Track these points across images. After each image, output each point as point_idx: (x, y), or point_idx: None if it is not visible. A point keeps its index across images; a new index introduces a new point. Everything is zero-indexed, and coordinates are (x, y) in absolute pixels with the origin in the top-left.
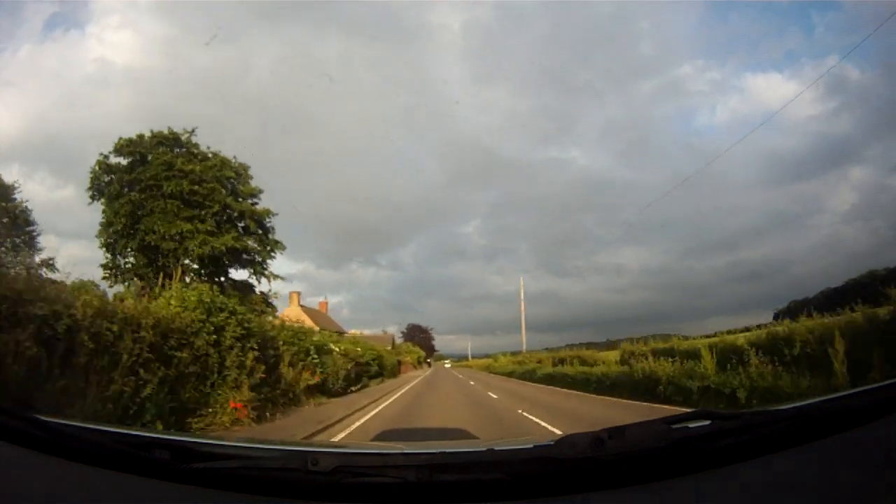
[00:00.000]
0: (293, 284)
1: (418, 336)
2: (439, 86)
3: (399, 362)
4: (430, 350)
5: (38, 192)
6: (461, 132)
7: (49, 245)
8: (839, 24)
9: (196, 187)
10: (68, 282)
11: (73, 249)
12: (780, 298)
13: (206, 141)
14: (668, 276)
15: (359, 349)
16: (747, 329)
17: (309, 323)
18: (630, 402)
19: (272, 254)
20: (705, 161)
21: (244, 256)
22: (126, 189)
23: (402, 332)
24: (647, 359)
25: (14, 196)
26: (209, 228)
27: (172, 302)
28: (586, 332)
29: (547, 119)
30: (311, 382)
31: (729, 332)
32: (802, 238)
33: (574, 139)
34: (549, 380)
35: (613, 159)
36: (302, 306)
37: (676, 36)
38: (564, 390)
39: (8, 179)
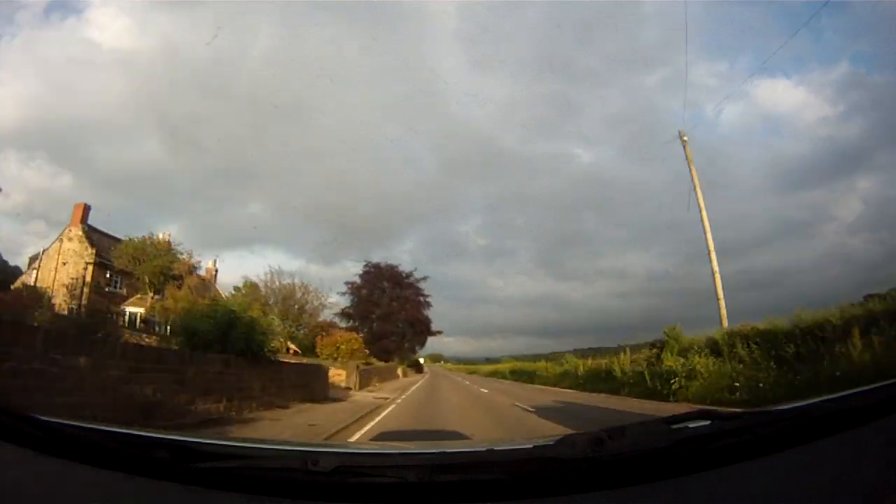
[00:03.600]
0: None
1: (382, 292)
2: (436, 74)
3: None
4: (421, 333)
5: (35, 180)
6: (459, 124)
7: (40, 231)
8: (849, 28)
9: None
10: None
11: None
12: (786, 309)
13: (202, 132)
14: (673, 282)
15: None
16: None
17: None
18: None
19: None
20: (709, 163)
21: None
22: None
23: (349, 285)
24: None
25: None
26: None
27: None
28: (588, 337)
29: (548, 109)
30: None
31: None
32: (809, 247)
33: (576, 133)
34: None
35: (618, 156)
36: (90, 227)
37: (682, 29)
38: None
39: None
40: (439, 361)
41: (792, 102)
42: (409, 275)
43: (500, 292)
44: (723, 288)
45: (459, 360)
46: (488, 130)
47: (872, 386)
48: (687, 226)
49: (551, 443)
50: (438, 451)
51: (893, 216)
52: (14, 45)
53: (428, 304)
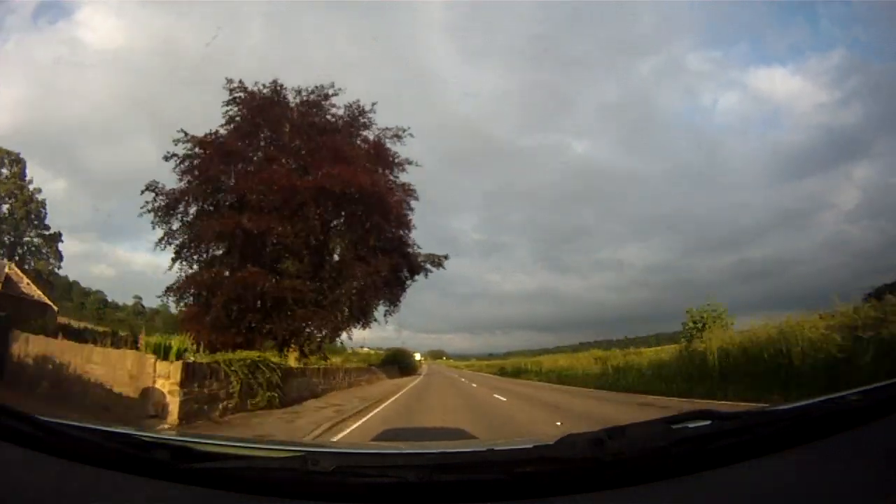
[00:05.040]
0: None
1: (277, 151)
2: (430, 66)
3: None
4: (392, 259)
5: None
6: (455, 118)
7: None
8: (845, 16)
9: None
10: None
11: (68, 245)
12: (784, 300)
13: (198, 132)
14: (671, 275)
15: None
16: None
17: None
18: None
19: None
20: (705, 154)
21: None
22: None
23: (186, 138)
24: None
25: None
26: None
27: None
28: (588, 332)
29: (542, 98)
30: None
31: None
32: (807, 237)
33: (571, 123)
34: None
35: (613, 147)
36: None
37: (677, 15)
38: None
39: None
40: (441, 358)
41: (788, 90)
42: (357, 116)
43: (498, 288)
44: (721, 279)
45: (463, 357)
46: (482, 124)
47: (872, 386)
48: (684, 217)
49: (551, 443)
50: (438, 451)
51: (893, 203)
52: (4, 49)
53: (408, 201)
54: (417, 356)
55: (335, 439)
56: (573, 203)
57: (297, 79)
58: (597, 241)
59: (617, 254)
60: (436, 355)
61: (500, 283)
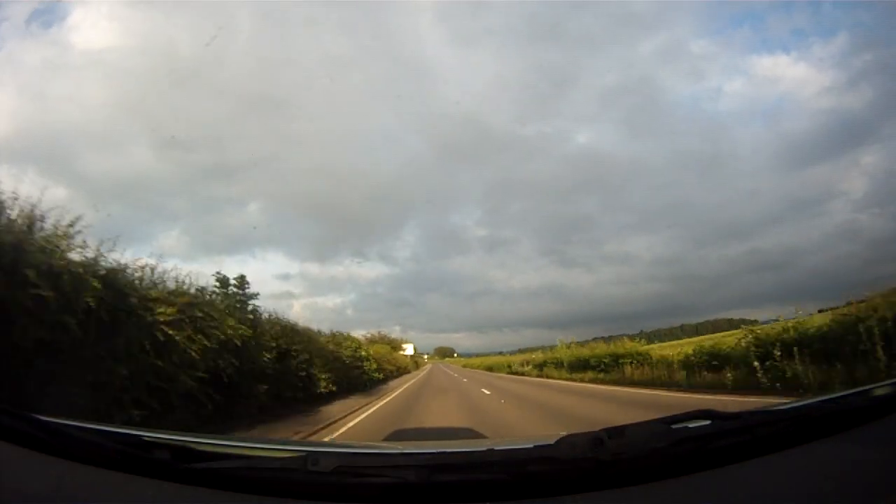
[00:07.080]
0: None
1: None
2: (420, 54)
3: None
4: None
5: (29, 196)
6: (448, 105)
7: None
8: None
9: None
10: None
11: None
12: (797, 290)
13: (199, 135)
14: (680, 267)
15: None
16: None
17: None
18: None
19: None
20: (711, 142)
21: None
22: None
23: None
24: None
25: None
26: None
27: None
28: (596, 328)
29: (541, 83)
30: None
31: None
32: (818, 226)
33: (571, 110)
34: None
35: (616, 135)
36: None
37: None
38: None
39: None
40: (452, 355)
41: (794, 75)
42: None
43: (504, 284)
44: (731, 270)
45: (473, 355)
46: (481, 113)
47: (872, 386)
48: (692, 207)
49: (551, 443)
50: (438, 450)
51: None
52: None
53: None
54: (409, 348)
55: (332, 438)
56: (577, 194)
57: (292, 78)
58: (603, 233)
59: (624, 246)
60: (444, 353)
61: (506, 279)
